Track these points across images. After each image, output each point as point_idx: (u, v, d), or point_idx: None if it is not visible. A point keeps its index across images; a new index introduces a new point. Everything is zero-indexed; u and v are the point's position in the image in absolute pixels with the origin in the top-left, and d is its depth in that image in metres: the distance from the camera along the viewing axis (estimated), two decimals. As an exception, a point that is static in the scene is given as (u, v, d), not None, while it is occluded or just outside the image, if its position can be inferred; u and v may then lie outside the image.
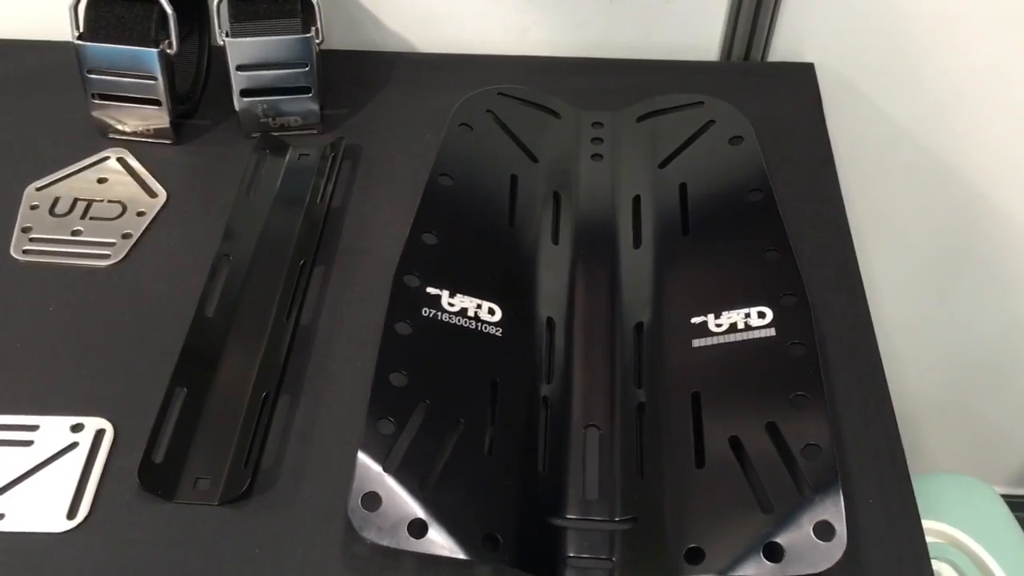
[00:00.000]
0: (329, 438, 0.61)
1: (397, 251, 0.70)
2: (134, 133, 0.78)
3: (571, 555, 0.54)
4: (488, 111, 0.77)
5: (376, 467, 0.54)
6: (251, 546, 0.56)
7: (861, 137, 0.89)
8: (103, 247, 0.71)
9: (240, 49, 0.75)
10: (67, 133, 0.79)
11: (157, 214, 0.73)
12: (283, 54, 0.75)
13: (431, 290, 0.64)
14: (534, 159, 0.75)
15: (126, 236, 0.72)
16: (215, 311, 0.66)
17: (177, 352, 0.64)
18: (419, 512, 0.53)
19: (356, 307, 0.68)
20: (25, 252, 0.70)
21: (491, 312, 0.64)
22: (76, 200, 0.74)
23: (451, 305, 0.63)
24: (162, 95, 0.75)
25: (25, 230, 0.72)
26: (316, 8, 0.75)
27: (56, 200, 0.74)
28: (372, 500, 0.54)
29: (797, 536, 0.52)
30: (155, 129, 0.78)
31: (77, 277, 0.69)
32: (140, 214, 0.74)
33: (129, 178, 0.76)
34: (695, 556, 0.53)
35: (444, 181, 0.71)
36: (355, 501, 0.53)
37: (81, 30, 0.74)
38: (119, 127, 0.78)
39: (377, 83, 0.85)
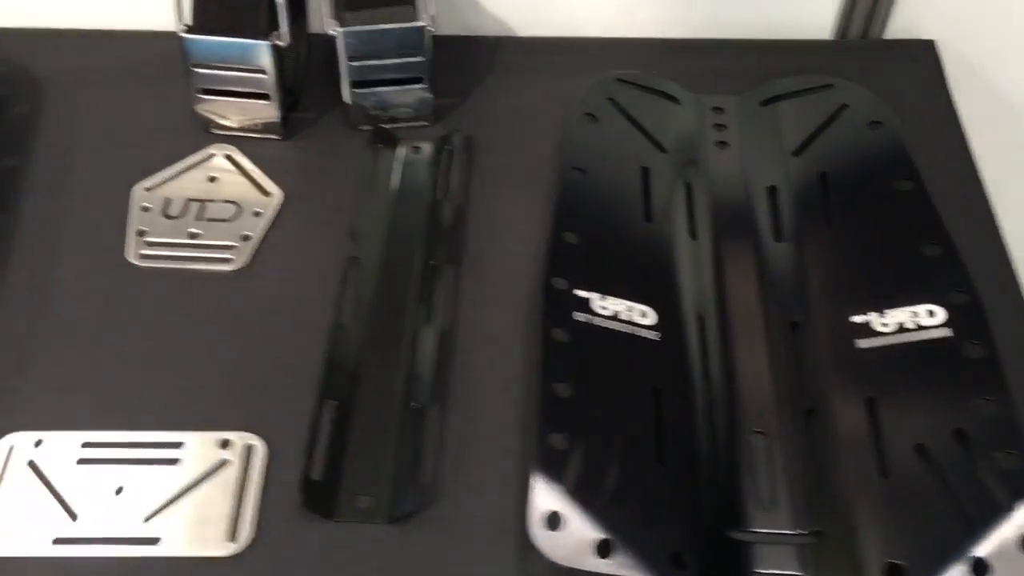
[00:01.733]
0: (483, 450, 0.59)
1: (526, 249, 0.68)
2: (240, 128, 0.75)
3: (760, 571, 0.53)
4: (609, 99, 0.74)
5: (554, 485, 0.52)
6: (421, 566, 0.55)
7: (988, 121, 0.86)
8: (223, 250, 0.68)
9: (353, 39, 0.71)
10: (169, 129, 0.76)
11: (274, 214, 0.71)
12: (397, 43, 0.72)
13: (580, 293, 0.61)
14: (662, 149, 0.72)
15: (245, 238, 0.69)
16: (350, 317, 0.64)
17: (317, 361, 0.62)
18: (603, 531, 0.51)
19: (491, 309, 0.66)
20: (143, 257, 0.68)
21: (643, 315, 0.61)
22: (189, 201, 0.71)
23: (603, 308, 0.61)
24: (272, 89, 0.72)
25: (140, 233, 0.69)
26: (427, -6, 0.73)
27: (168, 201, 0.71)
28: (553, 520, 0.51)
29: (1002, 550, 0.50)
30: (263, 124, 0.75)
31: (200, 282, 0.67)
32: (256, 214, 0.71)
33: (240, 176, 0.73)
34: (895, 573, 0.51)
35: (576, 176, 0.68)
36: (536, 521, 0.51)
37: (187, 22, 0.71)
38: (224, 122, 0.75)
39: (481, 70, 0.82)
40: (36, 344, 0.63)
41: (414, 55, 0.73)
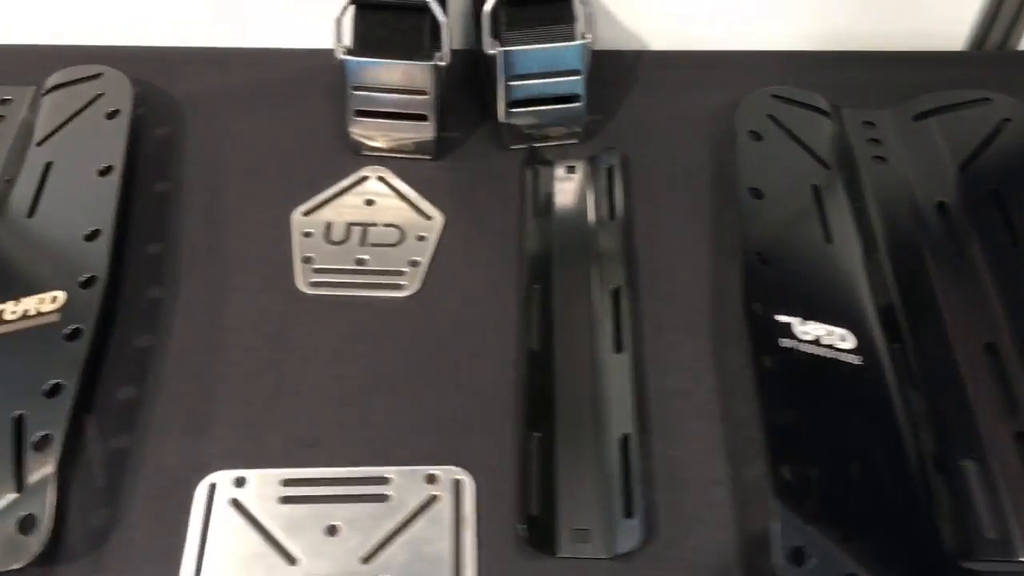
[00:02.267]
0: (692, 480, 0.58)
1: (698, 272, 0.68)
2: (391, 150, 0.74)
3: None
4: (769, 116, 0.74)
5: (794, 518, 0.52)
6: (646, 603, 0.54)
7: None
8: (394, 275, 0.67)
9: (514, 59, 0.70)
10: (316, 150, 0.75)
11: (438, 237, 0.70)
12: (557, 62, 0.71)
13: (781, 318, 0.61)
14: (826, 166, 0.72)
15: (414, 263, 0.68)
16: (538, 344, 0.63)
17: (509, 390, 0.61)
18: (850, 566, 0.51)
19: (675, 335, 0.65)
20: (313, 284, 0.67)
21: (843, 339, 0.61)
22: (350, 225, 0.70)
23: (805, 333, 0.60)
24: (431, 110, 0.71)
25: (306, 260, 0.68)
26: (584, 12, 0.71)
27: (329, 226, 0.70)
28: (799, 555, 0.51)
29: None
30: (415, 145, 0.73)
31: (374, 310, 0.66)
32: (420, 239, 0.70)
33: (397, 199, 0.72)
34: None
35: (753, 197, 0.68)
36: (781, 557, 0.51)
37: (346, 43, 0.69)
38: (375, 144, 0.74)
39: (624, 85, 0.81)
40: (219, 376, 0.62)
41: (573, 73, 0.72)
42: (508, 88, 0.71)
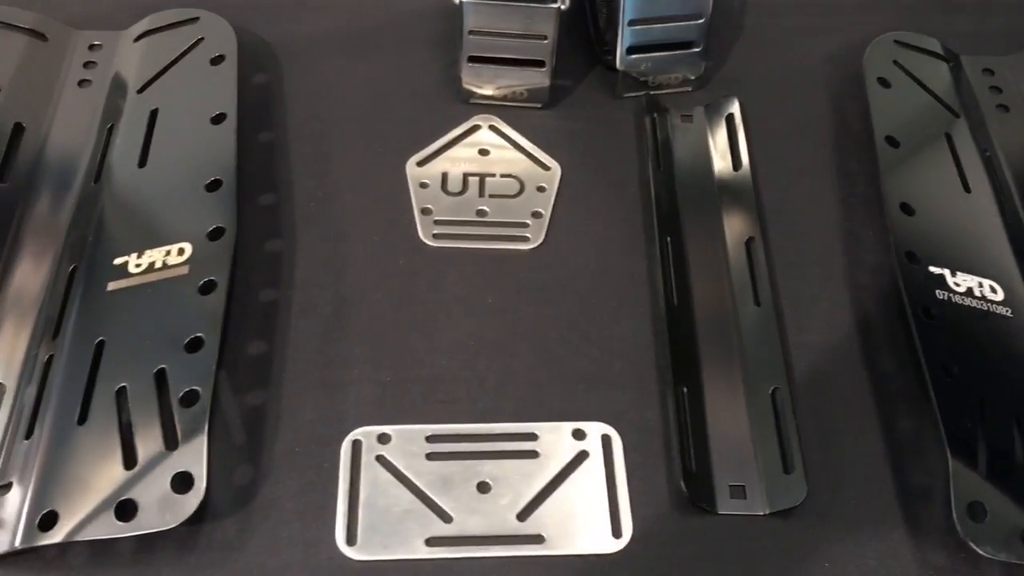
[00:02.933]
0: (844, 434, 0.57)
1: (828, 223, 0.66)
2: (502, 97, 0.72)
3: None
4: (894, 62, 0.71)
5: (971, 473, 0.51)
6: (807, 558, 0.53)
7: None
8: (517, 227, 0.65)
9: (639, 1, 0.68)
10: (422, 97, 0.72)
11: (556, 188, 0.68)
12: (681, 5, 0.69)
13: (933, 269, 0.59)
14: (955, 114, 0.70)
15: (537, 215, 0.66)
16: (675, 297, 0.61)
17: (648, 343, 0.60)
18: None
19: (813, 287, 0.63)
20: (436, 237, 0.64)
21: (993, 290, 0.59)
22: (467, 176, 0.68)
23: (957, 285, 0.59)
24: (549, 55, 0.68)
25: (425, 212, 0.66)
26: (709, -48, 0.69)
27: (445, 176, 0.68)
28: (977, 510, 0.50)
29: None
30: (529, 92, 0.71)
31: (501, 263, 0.64)
32: (540, 189, 0.68)
33: (512, 149, 0.70)
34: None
35: (890, 145, 0.66)
36: (960, 512, 0.50)
37: (464, -14, 0.67)
38: (485, 91, 0.72)
39: (733, 31, 0.78)
40: (348, 331, 0.60)
41: (697, 17, 0.69)
42: (627, 32, 0.69)
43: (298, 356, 0.59)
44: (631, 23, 0.68)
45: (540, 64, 0.69)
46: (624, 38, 0.69)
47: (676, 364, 0.58)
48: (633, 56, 0.70)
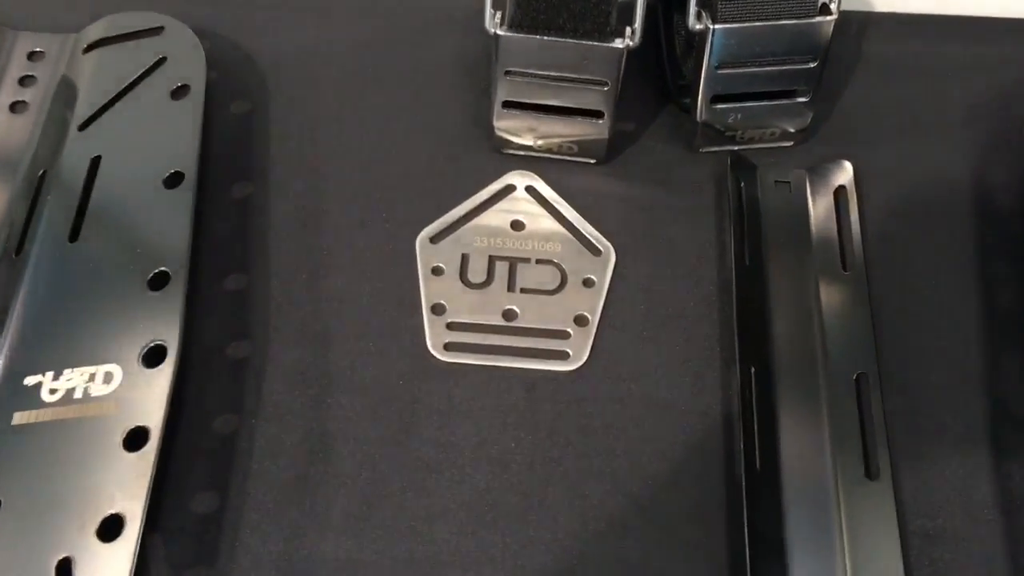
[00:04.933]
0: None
1: (963, 351, 0.49)
2: (546, 149, 0.56)
3: None
4: None
5: None
6: None
7: None
8: (555, 338, 0.50)
9: (731, 40, 0.50)
10: (447, 144, 0.56)
11: (609, 281, 0.52)
12: (787, 45, 0.52)
13: None
14: None
15: (581, 321, 0.51)
16: (759, 460, 0.46)
17: (718, 529, 0.44)
18: None
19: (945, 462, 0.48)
20: (448, 348, 0.50)
21: None
22: (493, 260, 0.52)
23: None
24: (610, 104, 0.52)
25: (437, 310, 0.51)
26: (832, -26, 0.51)
27: (464, 260, 0.52)
28: None
29: None
30: (580, 145, 0.55)
31: (531, 389, 0.48)
32: (588, 283, 0.52)
33: (554, 221, 0.54)
34: None
35: None
36: None
37: (503, 16, 0.50)
38: (524, 140, 0.56)
39: (851, 62, 0.59)
40: (324, 485, 0.45)
41: (807, 59, 0.52)
42: (714, 77, 0.53)
43: (255, 520, 0.45)
44: (719, 67, 0.52)
45: (597, 114, 0.53)
46: (708, 84, 0.53)
47: (758, 568, 0.44)
48: (719, 106, 0.54)
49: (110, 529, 0.40)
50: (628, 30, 0.49)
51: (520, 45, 0.50)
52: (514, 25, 0.49)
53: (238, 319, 0.50)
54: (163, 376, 0.44)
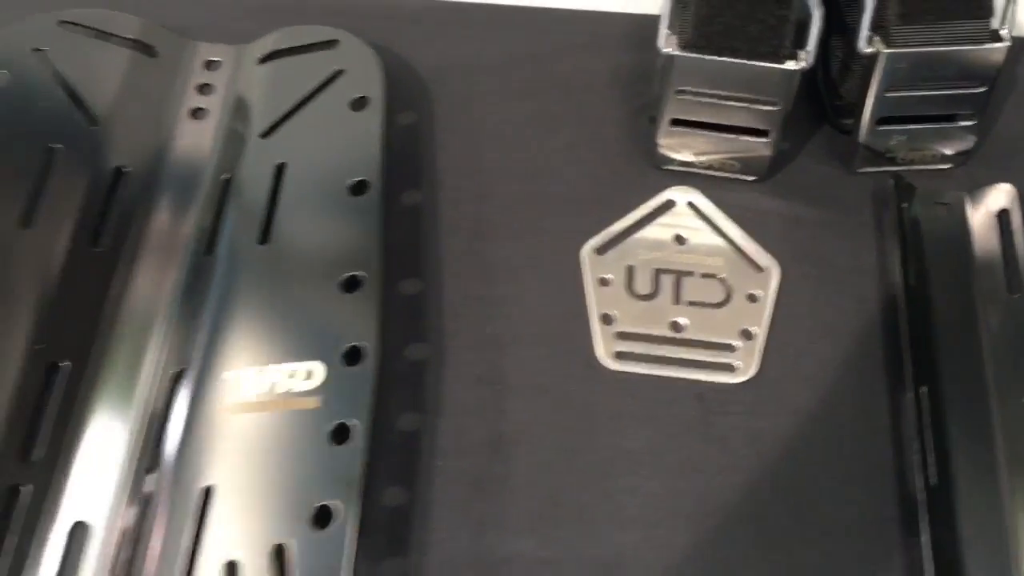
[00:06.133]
0: None
1: None
2: (706, 166, 0.57)
3: None
4: None
5: None
6: None
7: None
8: (722, 352, 0.51)
9: (902, 64, 0.52)
10: (608, 158, 0.58)
11: (775, 297, 0.54)
12: (957, 70, 0.52)
13: None
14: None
15: (747, 335, 0.52)
16: (935, 477, 0.47)
17: (891, 538, 0.46)
18: None
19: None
20: (619, 356, 0.51)
21: None
22: (658, 273, 0.54)
23: None
24: (777, 123, 0.54)
25: (606, 320, 0.53)
26: (1004, 1, 0.52)
27: (630, 272, 0.54)
28: None
29: None
30: (742, 163, 0.56)
31: (701, 400, 0.50)
32: (752, 299, 0.53)
33: (716, 237, 0.55)
34: None
35: None
36: None
37: (681, 34, 0.51)
38: (685, 157, 0.57)
39: (1006, 85, 0.61)
40: (507, 483, 0.48)
41: (976, 85, 0.53)
42: (882, 99, 0.54)
43: (444, 513, 0.47)
44: (887, 90, 0.53)
45: (763, 134, 0.55)
46: (875, 106, 0.54)
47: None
48: (884, 128, 0.55)
49: (323, 518, 0.43)
50: (801, 53, 0.51)
51: (694, 65, 0.52)
52: (689, 46, 0.51)
53: (415, 323, 0.53)
54: (364, 374, 0.46)
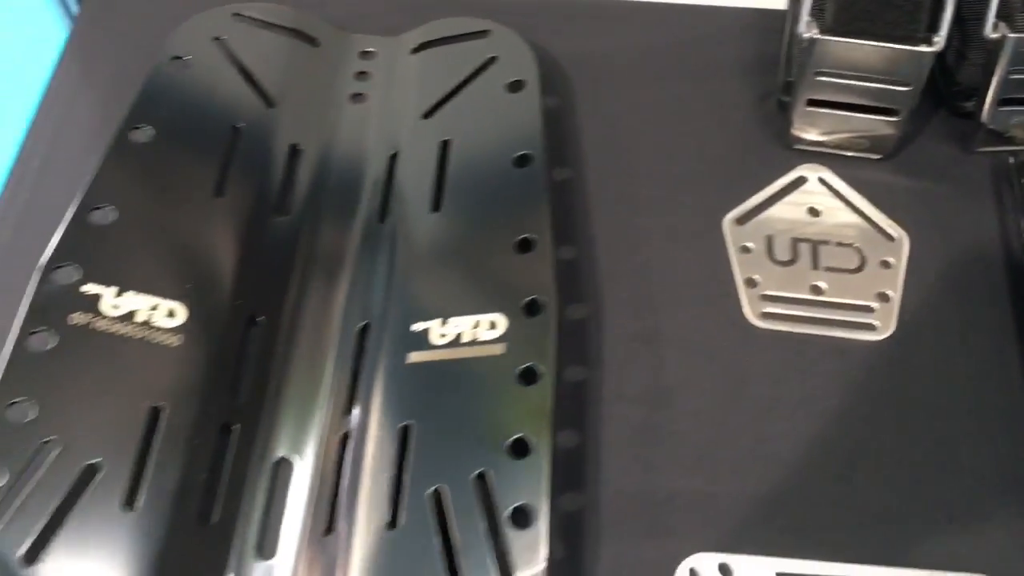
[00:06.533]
0: None
1: None
2: (834, 145, 0.62)
3: None
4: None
5: None
6: None
7: None
8: (861, 312, 0.56)
9: (1029, 44, 0.57)
10: (738, 138, 0.63)
11: (906, 265, 0.58)
12: (1078, 53, 0.57)
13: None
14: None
15: (883, 297, 0.56)
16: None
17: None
18: None
19: None
20: (765, 316, 0.56)
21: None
22: (796, 241, 0.58)
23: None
24: (908, 103, 0.58)
25: (750, 283, 0.57)
26: None
27: (769, 240, 0.58)
28: None
29: None
30: (870, 141, 0.61)
31: (844, 355, 0.54)
32: (885, 265, 0.58)
33: (848, 209, 0.60)
34: None
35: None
36: None
37: (821, 20, 0.56)
38: (814, 137, 0.61)
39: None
40: (670, 428, 0.52)
41: (1096, 67, 0.58)
42: (1007, 82, 0.58)
43: (613, 454, 0.51)
44: (1012, 73, 0.57)
45: (894, 113, 0.59)
46: (998, 89, 0.58)
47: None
48: (1005, 108, 0.59)
49: (521, 450, 0.47)
50: (935, 37, 0.55)
51: (835, 49, 0.56)
52: (830, 31, 0.56)
53: (572, 285, 0.57)
54: (545, 322, 0.50)
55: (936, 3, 0.55)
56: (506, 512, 0.45)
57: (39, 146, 0.63)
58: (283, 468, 0.50)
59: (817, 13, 0.56)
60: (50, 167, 0.62)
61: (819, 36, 0.56)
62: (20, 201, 0.60)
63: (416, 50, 0.65)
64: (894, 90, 0.57)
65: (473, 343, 0.51)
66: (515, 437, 0.47)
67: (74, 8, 0.71)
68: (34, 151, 0.62)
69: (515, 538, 0.44)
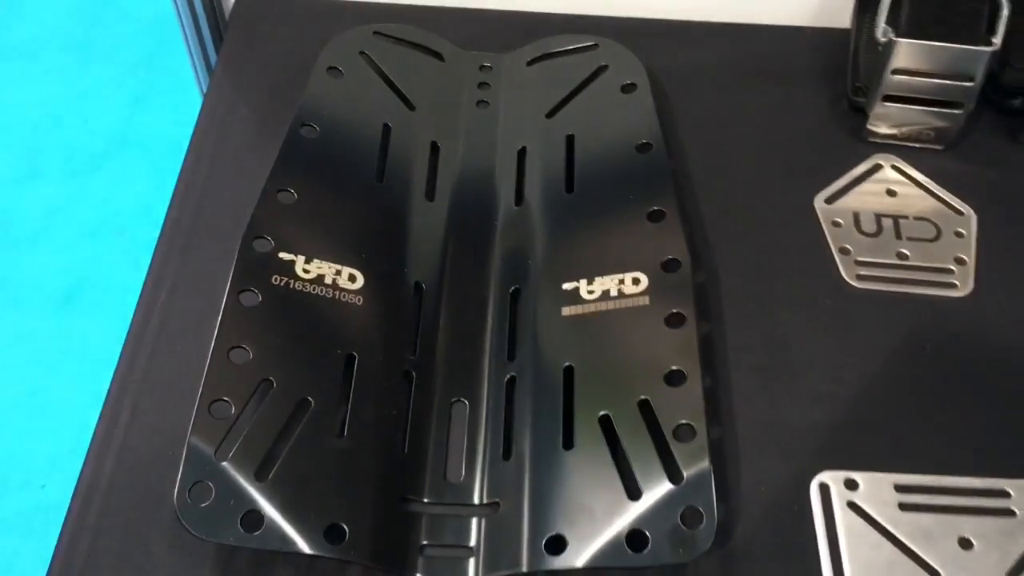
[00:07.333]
0: None
1: None
2: (903, 137, 0.71)
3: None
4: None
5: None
6: None
7: None
8: (942, 273, 0.64)
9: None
10: (818, 134, 0.72)
11: (976, 234, 0.66)
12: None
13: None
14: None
15: (960, 261, 0.65)
16: None
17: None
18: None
19: None
20: (860, 278, 0.64)
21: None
22: (879, 217, 0.67)
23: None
24: (972, 98, 0.67)
25: (844, 251, 0.65)
26: None
27: (856, 216, 0.67)
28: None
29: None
30: (935, 133, 0.70)
31: (932, 308, 0.63)
32: (958, 235, 0.66)
33: (920, 191, 0.68)
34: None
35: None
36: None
37: (897, 26, 0.65)
38: (886, 130, 0.70)
39: None
40: (789, 371, 0.59)
41: None
42: (1065, 78, 0.67)
43: (741, 392, 0.59)
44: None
45: (958, 106, 0.68)
46: (1058, 83, 0.68)
47: None
48: (1056, 104, 0.69)
49: (675, 380, 0.54)
50: (993, 38, 0.65)
51: (909, 50, 0.65)
52: (905, 34, 0.65)
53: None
54: (683, 276, 0.58)
55: (993, 9, 0.65)
56: (671, 429, 0.52)
57: (205, 147, 0.71)
58: (458, 408, 0.57)
59: (891, 20, 0.66)
60: (216, 164, 0.70)
61: (896, 39, 0.65)
62: (195, 191, 0.68)
63: (531, 62, 0.74)
64: (959, 85, 0.66)
65: (620, 296, 0.58)
66: (670, 369, 0.55)
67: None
68: (201, 152, 0.71)
69: (681, 449, 0.52)
